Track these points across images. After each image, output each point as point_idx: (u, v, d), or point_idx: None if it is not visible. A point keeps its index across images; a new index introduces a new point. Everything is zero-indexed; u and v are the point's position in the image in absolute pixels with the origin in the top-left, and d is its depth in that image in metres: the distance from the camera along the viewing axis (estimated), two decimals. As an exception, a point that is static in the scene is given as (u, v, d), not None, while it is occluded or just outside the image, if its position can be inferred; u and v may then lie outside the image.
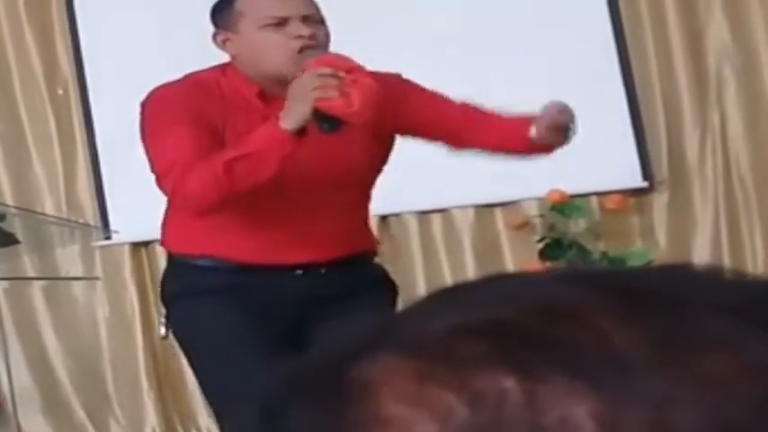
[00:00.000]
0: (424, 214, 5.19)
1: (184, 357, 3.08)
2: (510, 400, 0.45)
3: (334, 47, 2.86)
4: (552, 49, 5.06)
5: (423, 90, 3.05)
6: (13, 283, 5.22)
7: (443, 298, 0.51)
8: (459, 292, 0.52)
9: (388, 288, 3.10)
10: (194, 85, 2.91)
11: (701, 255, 5.13)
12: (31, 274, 5.29)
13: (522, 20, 5.12)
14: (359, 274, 3.01)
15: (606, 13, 5.16)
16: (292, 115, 2.69)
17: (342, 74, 2.70)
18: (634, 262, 5.00)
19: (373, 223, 5.08)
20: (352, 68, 2.73)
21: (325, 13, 2.92)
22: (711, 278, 0.51)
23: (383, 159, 3.06)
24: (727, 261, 5.08)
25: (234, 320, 2.93)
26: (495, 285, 0.52)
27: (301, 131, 2.70)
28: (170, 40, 5.04)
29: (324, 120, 2.69)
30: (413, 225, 5.17)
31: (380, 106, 2.78)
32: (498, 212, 5.20)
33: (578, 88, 5.01)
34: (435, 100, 3.03)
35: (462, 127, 3.00)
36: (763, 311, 0.48)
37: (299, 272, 2.96)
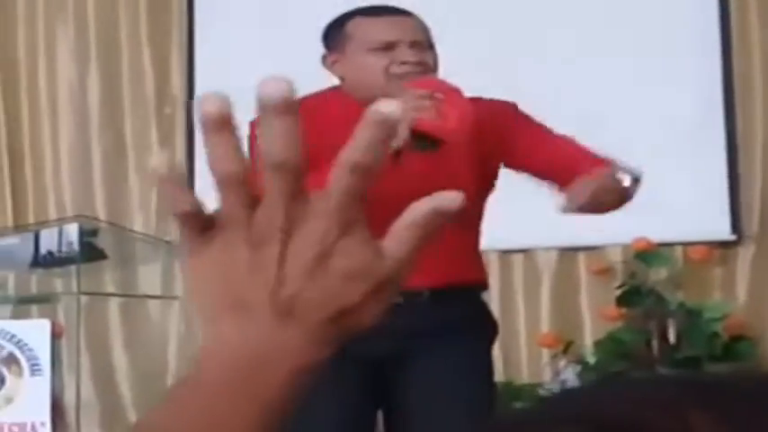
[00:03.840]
0: (506, 253, 5.19)
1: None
2: None
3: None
4: (657, 93, 5.06)
5: (535, 125, 3.02)
6: (92, 297, 5.27)
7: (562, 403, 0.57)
8: (581, 398, 0.57)
9: (486, 327, 3.09)
10: (301, 111, 2.93)
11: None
12: (110, 288, 5.33)
13: (633, 60, 5.14)
14: (461, 308, 2.97)
15: (719, 59, 5.17)
16: None
17: (439, 95, 2.71)
18: (710, 314, 4.98)
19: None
20: (450, 90, 2.74)
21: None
22: None
23: (487, 182, 3.02)
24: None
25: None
26: (615, 387, 0.58)
27: (398, 153, 2.66)
28: (284, 67, 5.09)
29: (421, 139, 2.70)
30: (494, 263, 5.18)
31: (481, 127, 2.76)
32: (581, 256, 5.19)
33: (680, 135, 5.03)
34: (546, 138, 3.02)
35: (567, 169, 2.99)
36: None
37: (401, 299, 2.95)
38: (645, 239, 4.95)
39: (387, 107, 0.74)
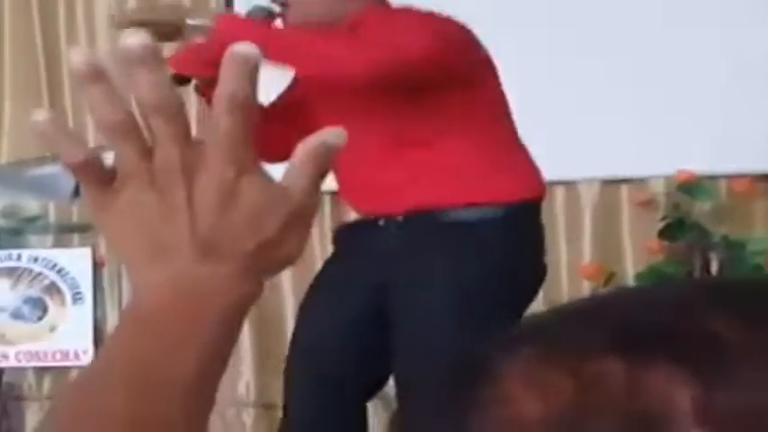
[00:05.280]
0: (548, 185, 5.15)
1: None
2: (613, 383, 0.50)
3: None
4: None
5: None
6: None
7: (577, 305, 0.57)
8: (595, 301, 0.58)
9: (468, 250, 2.89)
10: None
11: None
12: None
13: None
14: (435, 234, 2.89)
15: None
16: None
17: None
18: (753, 246, 4.94)
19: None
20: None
21: None
22: None
23: (415, 92, 2.86)
24: None
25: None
26: (627, 291, 0.62)
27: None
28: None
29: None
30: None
31: None
32: (624, 188, 5.15)
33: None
34: None
35: None
36: None
37: (381, 222, 2.97)
38: (688, 171, 4.91)
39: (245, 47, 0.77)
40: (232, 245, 0.78)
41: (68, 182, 4.82)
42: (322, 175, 0.80)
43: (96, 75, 0.75)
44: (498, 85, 3.01)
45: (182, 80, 2.93)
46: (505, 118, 3.02)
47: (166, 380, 0.76)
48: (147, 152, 0.78)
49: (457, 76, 2.84)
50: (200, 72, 2.83)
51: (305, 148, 0.80)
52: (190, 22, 2.81)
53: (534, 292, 2.98)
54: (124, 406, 0.75)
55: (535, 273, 3.00)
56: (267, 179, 0.80)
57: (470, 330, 2.69)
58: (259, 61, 0.76)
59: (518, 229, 2.94)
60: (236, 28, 2.82)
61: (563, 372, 0.51)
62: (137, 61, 0.75)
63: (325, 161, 0.80)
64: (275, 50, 2.65)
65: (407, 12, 2.92)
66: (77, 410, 0.77)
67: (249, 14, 3.05)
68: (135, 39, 0.75)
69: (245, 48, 0.76)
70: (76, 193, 4.86)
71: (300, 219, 0.80)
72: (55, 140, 0.77)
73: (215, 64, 2.57)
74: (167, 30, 2.79)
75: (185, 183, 0.77)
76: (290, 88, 3.00)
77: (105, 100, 0.76)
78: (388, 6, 3.01)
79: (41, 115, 0.77)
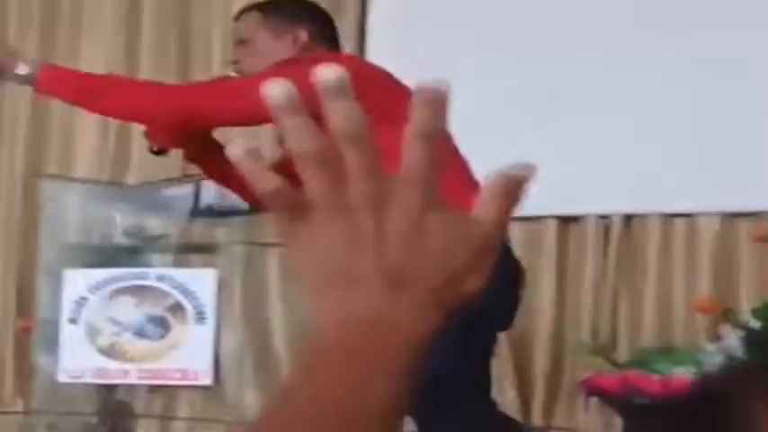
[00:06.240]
0: (668, 217, 5.13)
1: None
2: None
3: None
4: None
5: None
6: (250, 249, 5.35)
7: None
8: None
9: None
10: None
11: None
12: (270, 240, 5.42)
13: None
14: None
15: None
16: None
17: None
18: None
19: (617, 222, 5.10)
20: None
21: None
22: None
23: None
24: None
25: None
26: None
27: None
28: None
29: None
30: (654, 227, 5.12)
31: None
32: (743, 222, 5.10)
33: None
34: None
35: None
36: None
37: None
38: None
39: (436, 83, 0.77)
40: (420, 278, 0.78)
41: (186, 203, 4.92)
42: (512, 209, 0.80)
43: (293, 106, 0.77)
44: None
45: (159, 151, 3.09)
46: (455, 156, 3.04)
47: (353, 413, 0.77)
48: (340, 182, 0.78)
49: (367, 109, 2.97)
50: (168, 143, 3.00)
51: (496, 180, 0.80)
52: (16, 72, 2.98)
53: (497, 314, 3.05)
54: None
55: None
56: (457, 213, 0.80)
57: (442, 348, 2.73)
58: (448, 97, 0.76)
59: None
60: (55, 77, 3.04)
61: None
62: (332, 92, 0.76)
63: (517, 194, 0.80)
64: (86, 96, 3.01)
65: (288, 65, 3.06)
66: None
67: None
68: (331, 70, 0.76)
69: (434, 83, 0.76)
70: (194, 213, 4.96)
71: (486, 252, 0.81)
72: (251, 171, 0.79)
73: (176, 129, 2.66)
74: None
75: (376, 214, 0.78)
76: None
77: (302, 130, 0.77)
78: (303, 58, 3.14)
79: (237, 148, 0.79)
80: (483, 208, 0.80)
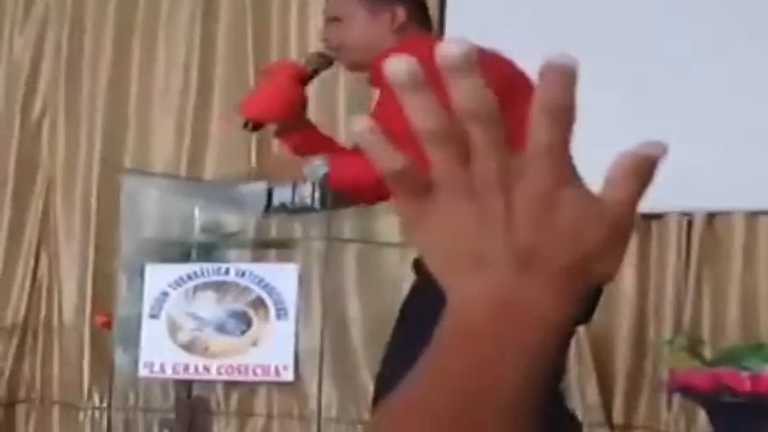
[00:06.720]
0: (753, 215, 5.06)
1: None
2: None
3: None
4: None
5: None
6: (328, 244, 5.33)
7: None
8: None
9: None
10: None
11: None
12: (348, 236, 5.40)
13: None
14: None
15: None
16: None
17: None
18: None
19: (699, 220, 5.03)
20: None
21: None
22: None
23: None
24: None
25: None
26: None
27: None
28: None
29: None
30: (739, 224, 5.05)
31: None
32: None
33: None
34: None
35: None
36: None
37: None
38: None
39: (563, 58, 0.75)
40: (551, 256, 0.76)
41: (261, 200, 4.91)
42: (643, 190, 0.77)
43: (416, 83, 0.75)
44: None
45: (255, 125, 3.02)
46: None
47: (484, 392, 0.76)
48: (466, 161, 0.76)
49: None
50: (275, 116, 2.95)
51: (626, 160, 0.77)
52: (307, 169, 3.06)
53: None
54: (447, 412, 0.76)
55: None
56: (586, 191, 0.77)
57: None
58: (577, 71, 0.74)
59: None
60: (345, 166, 3.16)
61: None
62: (457, 68, 0.74)
63: (649, 175, 0.77)
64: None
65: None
66: (404, 415, 0.78)
67: (307, 62, 3.18)
68: (455, 45, 0.74)
69: (563, 58, 0.74)
70: (268, 209, 4.95)
71: (619, 234, 0.78)
72: (374, 148, 0.77)
73: (290, 106, 2.68)
74: None
75: (504, 192, 0.76)
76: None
77: (426, 108, 0.75)
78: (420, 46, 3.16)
79: (361, 124, 0.77)
80: (613, 189, 0.77)
